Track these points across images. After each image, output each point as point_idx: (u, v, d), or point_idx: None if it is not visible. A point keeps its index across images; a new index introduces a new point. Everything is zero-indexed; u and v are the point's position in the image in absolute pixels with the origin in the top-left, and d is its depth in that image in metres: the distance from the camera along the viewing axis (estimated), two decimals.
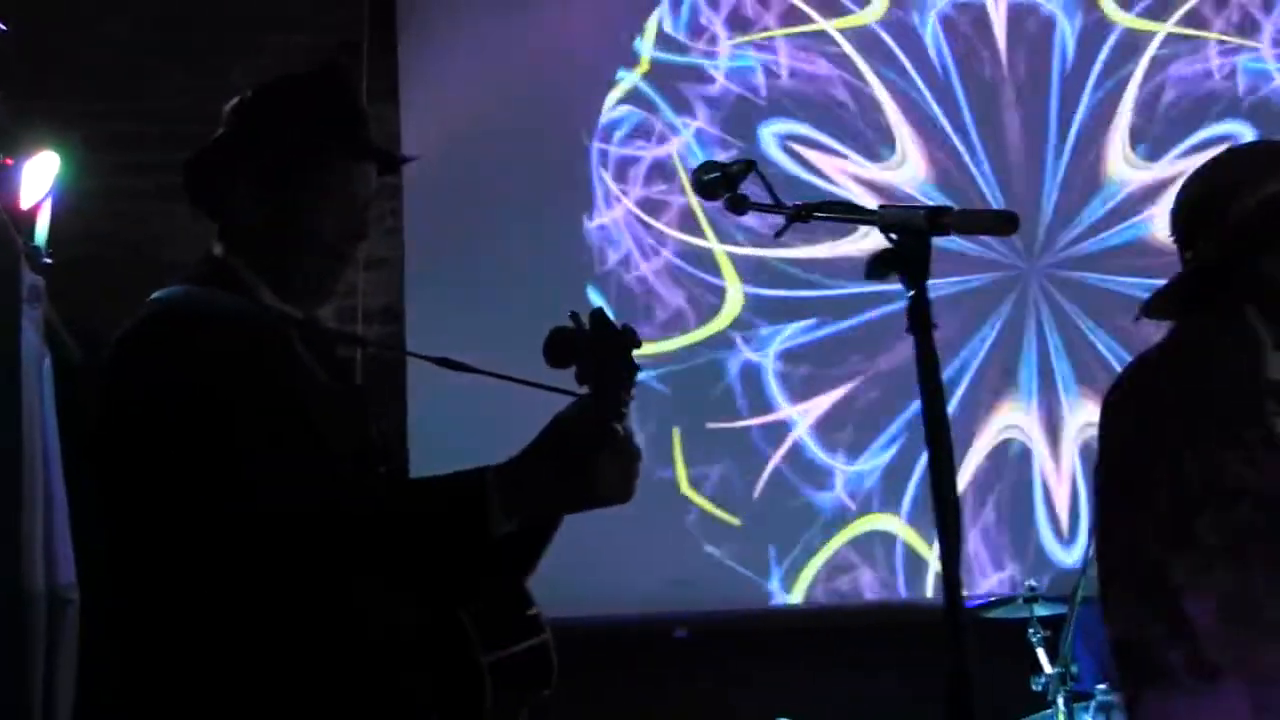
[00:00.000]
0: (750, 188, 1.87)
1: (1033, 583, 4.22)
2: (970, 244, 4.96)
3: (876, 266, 1.65)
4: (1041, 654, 4.05)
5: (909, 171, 5.09)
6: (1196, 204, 2.13)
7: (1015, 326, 5.05)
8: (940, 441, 1.59)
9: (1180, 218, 2.16)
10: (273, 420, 1.75)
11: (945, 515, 1.58)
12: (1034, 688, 3.96)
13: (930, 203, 4.16)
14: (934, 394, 1.61)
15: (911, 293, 1.62)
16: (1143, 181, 5.10)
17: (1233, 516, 1.93)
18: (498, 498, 1.73)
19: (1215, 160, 2.17)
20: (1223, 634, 1.92)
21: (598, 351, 1.89)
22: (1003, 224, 1.65)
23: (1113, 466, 2.11)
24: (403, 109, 4.83)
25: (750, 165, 1.90)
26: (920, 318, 1.62)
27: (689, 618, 4.61)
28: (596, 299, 4.80)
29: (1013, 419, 4.97)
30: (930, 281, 1.60)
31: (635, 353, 1.91)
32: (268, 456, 1.73)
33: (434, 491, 1.83)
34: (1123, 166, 5.12)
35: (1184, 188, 2.17)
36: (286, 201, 1.91)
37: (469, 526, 1.74)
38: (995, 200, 5.07)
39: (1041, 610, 4.10)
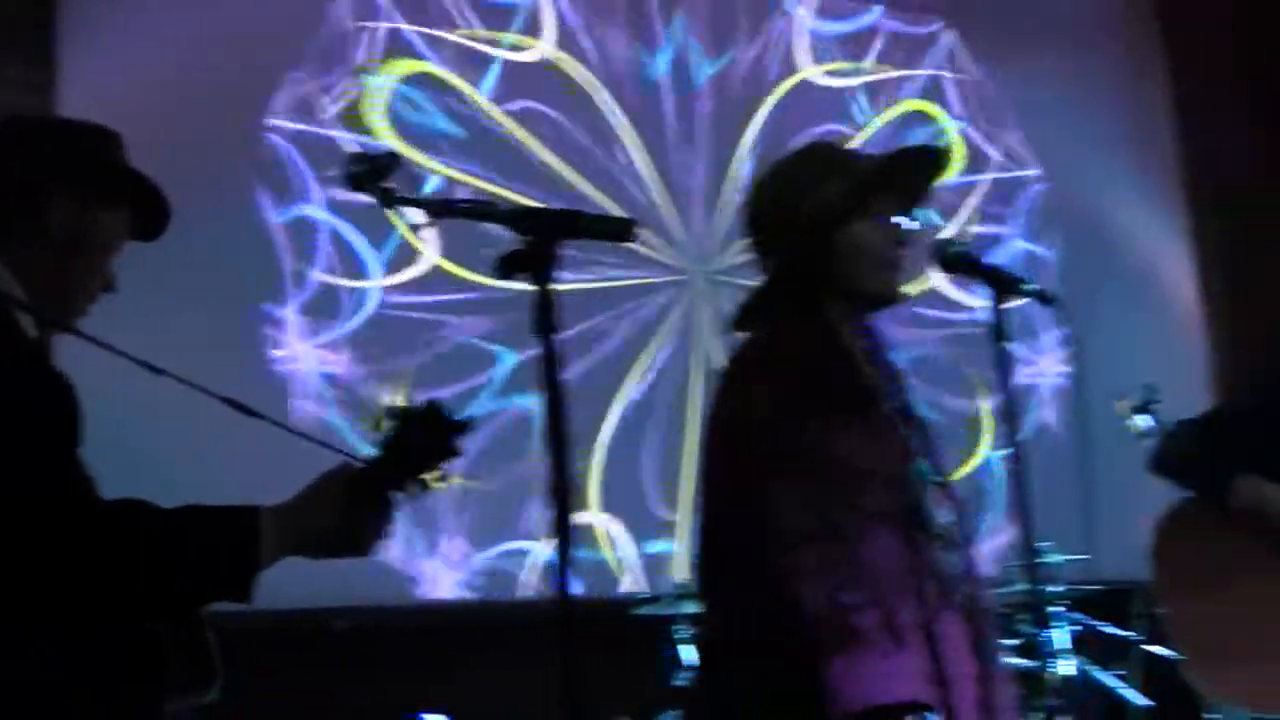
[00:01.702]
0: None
1: (683, 580, 4.36)
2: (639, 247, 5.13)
3: (505, 266, 1.69)
4: (684, 650, 4.17)
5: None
6: (762, 216, 2.23)
7: (685, 328, 5.25)
8: (560, 438, 1.65)
9: (752, 231, 2.25)
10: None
11: (562, 513, 1.64)
12: (677, 684, 4.10)
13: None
14: (555, 392, 1.66)
15: (537, 293, 1.66)
16: None
17: (868, 497, 2.03)
18: (271, 535, 1.77)
19: (771, 173, 2.26)
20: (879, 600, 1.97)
21: (416, 432, 1.90)
22: (623, 230, 1.72)
23: (755, 448, 2.07)
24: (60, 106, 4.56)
25: (396, 158, 1.90)
26: (545, 318, 1.67)
27: (347, 611, 4.55)
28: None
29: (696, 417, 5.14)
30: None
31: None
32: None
33: (204, 519, 1.82)
34: None
35: (748, 203, 2.26)
36: None
37: (235, 558, 1.76)
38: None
39: (692, 608, 4.17)
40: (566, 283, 1.69)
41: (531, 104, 5.28)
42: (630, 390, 5.17)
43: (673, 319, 5.29)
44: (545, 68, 5.36)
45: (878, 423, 2.10)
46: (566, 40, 5.41)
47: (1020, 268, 5.42)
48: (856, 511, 2.00)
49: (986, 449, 5.54)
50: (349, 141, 4.91)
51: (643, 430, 5.17)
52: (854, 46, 5.90)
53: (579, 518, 4.62)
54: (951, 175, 5.88)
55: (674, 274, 5.32)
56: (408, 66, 5.13)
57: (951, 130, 5.98)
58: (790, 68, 5.74)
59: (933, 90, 5.99)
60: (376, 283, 4.93)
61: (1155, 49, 6.40)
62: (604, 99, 5.40)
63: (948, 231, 5.52)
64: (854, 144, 5.62)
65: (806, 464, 2.01)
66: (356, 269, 4.93)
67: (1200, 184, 6.29)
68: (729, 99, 5.59)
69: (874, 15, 5.97)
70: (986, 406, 5.55)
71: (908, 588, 1.99)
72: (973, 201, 5.94)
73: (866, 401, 2.11)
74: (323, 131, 4.94)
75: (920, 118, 5.94)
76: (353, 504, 1.86)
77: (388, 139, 4.97)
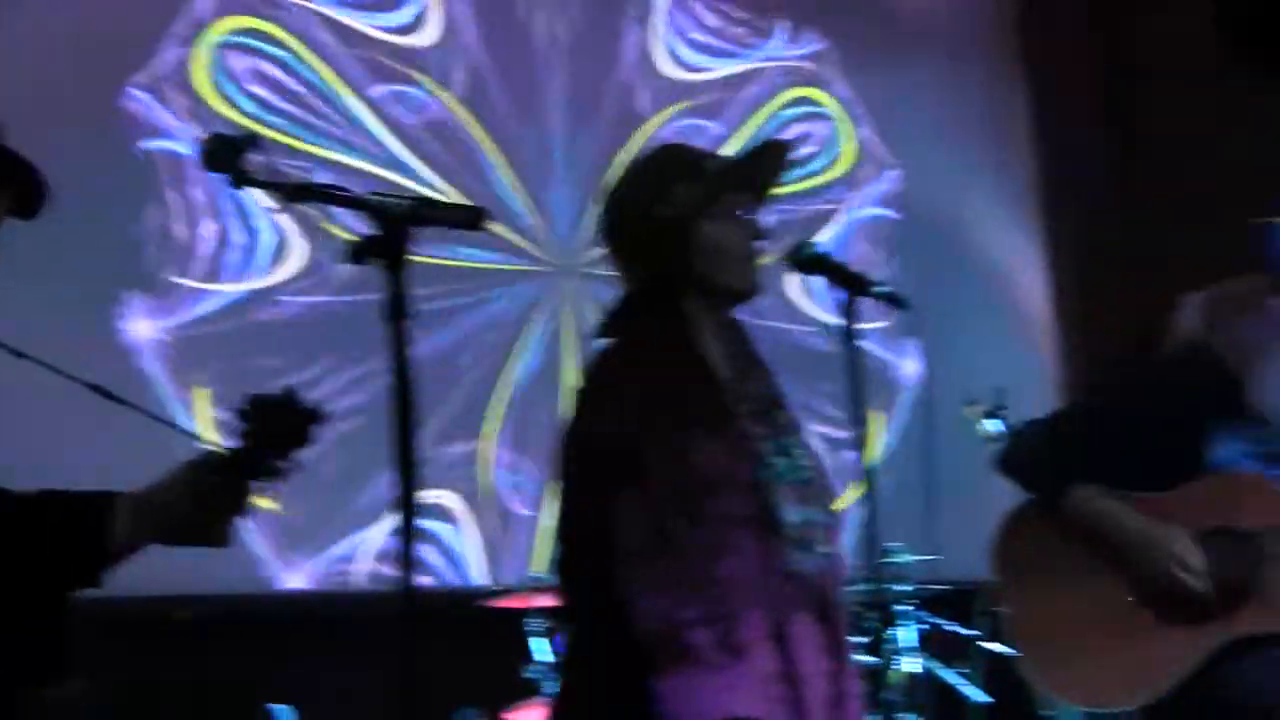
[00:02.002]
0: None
1: (535, 572, 4.36)
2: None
3: (357, 252, 1.67)
4: (535, 643, 4.18)
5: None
6: (616, 223, 2.24)
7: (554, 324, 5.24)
8: (405, 427, 1.63)
9: (607, 239, 2.25)
10: None
11: (407, 503, 1.62)
12: (528, 676, 4.10)
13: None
14: (404, 379, 1.64)
15: (389, 280, 1.65)
16: None
17: (720, 503, 2.03)
18: (126, 521, 1.79)
19: (622, 178, 2.27)
20: (712, 616, 1.99)
21: (271, 420, 1.90)
22: (474, 218, 1.72)
23: (603, 461, 2.09)
24: None
25: (253, 138, 1.86)
26: (397, 305, 1.65)
27: (190, 600, 4.45)
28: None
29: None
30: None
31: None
32: None
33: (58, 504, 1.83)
34: None
35: (605, 212, 2.26)
36: None
37: (87, 544, 1.78)
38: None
39: (545, 600, 4.17)
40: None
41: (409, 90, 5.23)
42: (510, 375, 5.15)
43: (542, 313, 5.27)
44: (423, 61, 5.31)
45: (730, 426, 2.11)
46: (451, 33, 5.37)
47: (871, 270, 5.53)
48: (706, 520, 2.01)
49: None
50: (207, 123, 4.80)
51: (509, 419, 5.16)
52: (721, 42, 5.94)
53: (425, 506, 4.62)
54: (811, 176, 5.97)
55: (538, 265, 5.31)
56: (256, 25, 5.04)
57: (838, 123, 6.05)
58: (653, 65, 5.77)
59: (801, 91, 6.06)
60: (233, 286, 4.83)
61: (1014, 57, 6.56)
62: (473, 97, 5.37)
63: (803, 233, 5.58)
64: (735, 141, 5.67)
65: (655, 475, 2.01)
66: (221, 260, 4.82)
67: (1055, 191, 6.46)
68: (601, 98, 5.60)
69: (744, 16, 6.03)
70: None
71: (759, 592, 2.01)
72: (830, 202, 6.03)
73: (720, 406, 2.12)
74: (178, 109, 4.83)
75: (800, 112, 6.00)
76: (209, 492, 1.86)
77: (242, 120, 4.88)
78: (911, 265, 6.04)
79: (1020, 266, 6.39)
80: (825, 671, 2.07)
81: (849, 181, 6.09)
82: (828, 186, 6.02)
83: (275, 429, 1.88)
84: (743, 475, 2.06)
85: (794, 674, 2.01)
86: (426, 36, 5.34)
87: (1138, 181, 6.49)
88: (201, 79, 4.89)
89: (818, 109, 6.08)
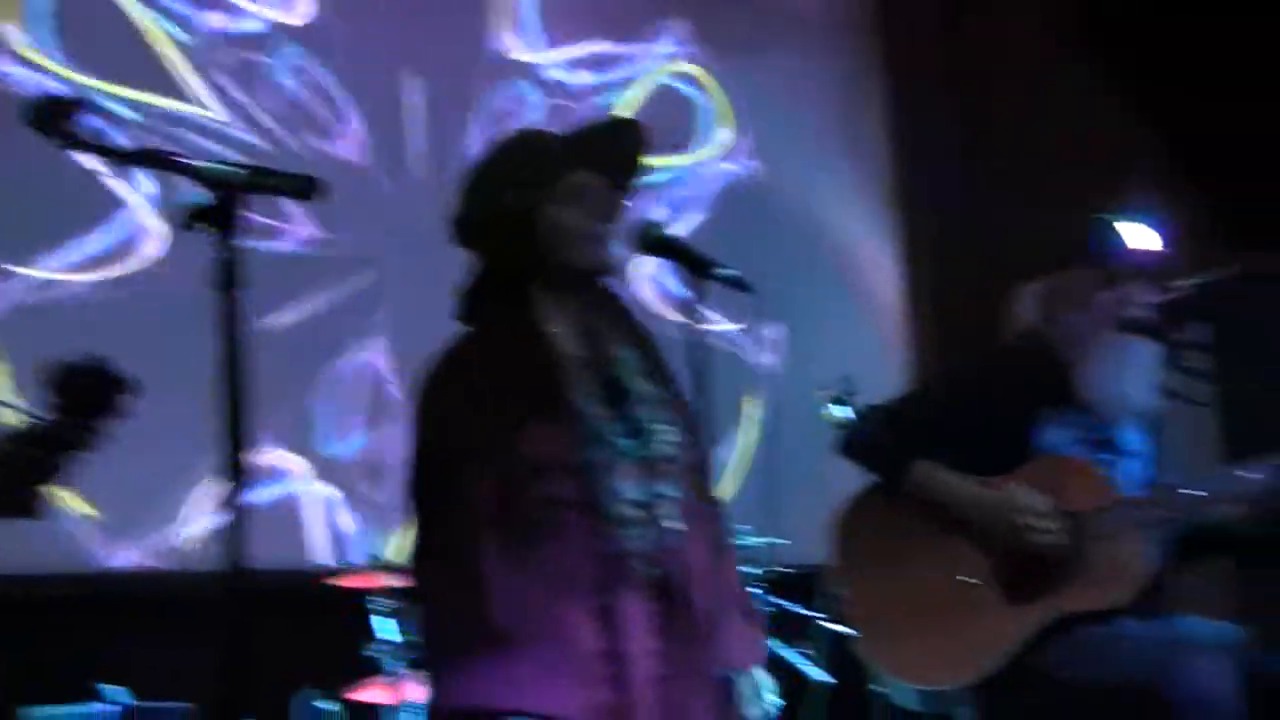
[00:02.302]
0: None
1: (379, 553, 4.32)
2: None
3: (189, 219, 1.64)
4: (379, 622, 4.13)
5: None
6: (463, 211, 2.27)
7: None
8: (236, 401, 1.60)
9: (457, 228, 2.28)
10: None
11: (236, 480, 1.60)
12: (369, 655, 4.06)
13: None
14: (234, 350, 1.62)
15: (221, 248, 1.62)
16: None
17: (551, 489, 2.08)
18: None
19: (470, 169, 2.31)
20: (528, 599, 2.05)
21: (79, 389, 1.88)
22: (307, 188, 1.70)
23: (429, 447, 2.20)
24: None
25: (81, 101, 1.81)
26: (228, 274, 1.63)
27: (19, 580, 4.30)
28: None
29: None
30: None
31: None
32: None
33: None
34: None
35: (462, 196, 2.28)
36: None
37: None
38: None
39: (389, 580, 4.14)
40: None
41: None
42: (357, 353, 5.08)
43: (394, 286, 5.20)
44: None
45: (563, 411, 2.13)
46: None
47: (721, 254, 5.59)
48: (530, 504, 2.06)
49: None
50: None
51: (356, 394, 5.09)
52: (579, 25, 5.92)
53: (260, 481, 4.53)
54: (663, 160, 5.99)
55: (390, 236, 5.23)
56: None
57: (703, 107, 6.07)
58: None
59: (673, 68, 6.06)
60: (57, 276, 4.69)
61: (871, 49, 6.65)
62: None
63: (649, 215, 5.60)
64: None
65: (485, 460, 2.07)
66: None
67: (907, 182, 6.58)
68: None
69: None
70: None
71: (581, 573, 2.05)
72: (688, 187, 6.06)
73: (553, 390, 2.14)
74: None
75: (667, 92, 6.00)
76: (18, 463, 1.82)
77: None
78: (767, 253, 6.10)
79: (873, 256, 6.50)
80: (654, 651, 2.09)
81: (708, 166, 6.12)
82: (687, 170, 6.04)
83: (84, 398, 1.84)
84: (572, 457, 2.09)
85: (619, 652, 2.03)
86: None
87: (985, 175, 6.65)
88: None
89: (685, 89, 6.11)
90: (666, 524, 2.15)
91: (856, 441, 3.08)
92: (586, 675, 2.02)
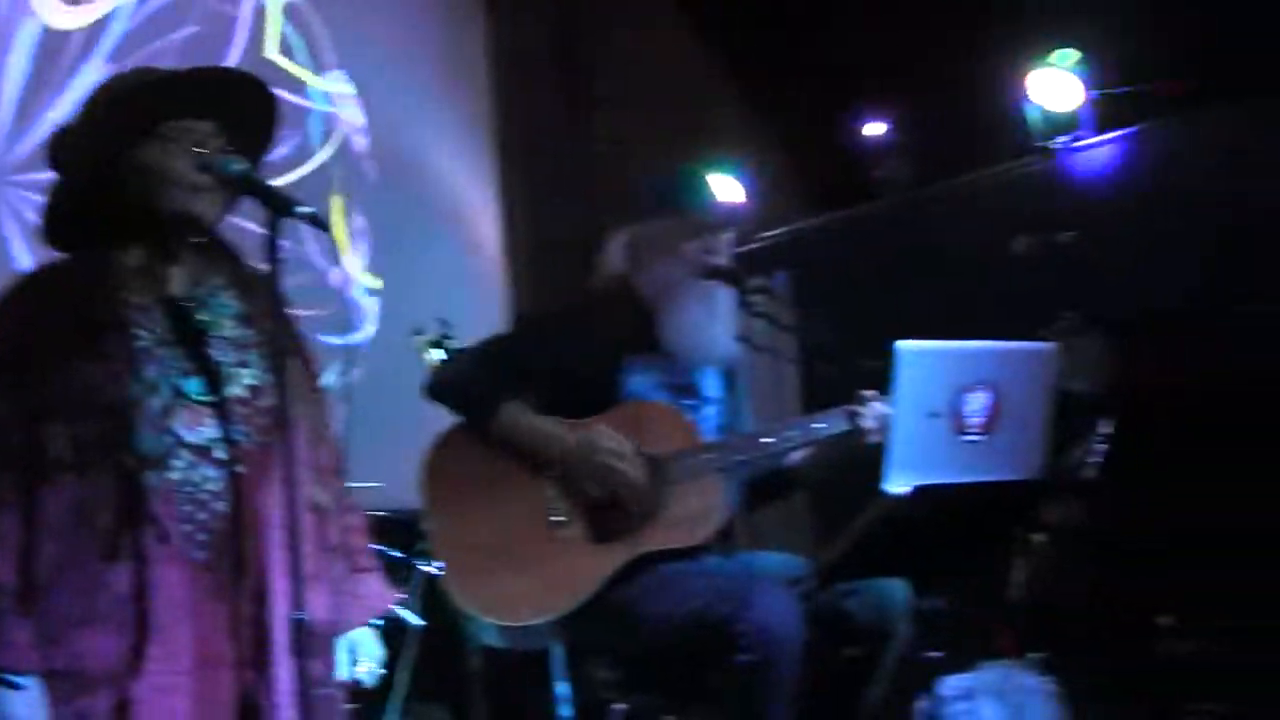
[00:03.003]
0: None
1: None
2: None
3: None
4: None
5: None
6: (57, 148, 2.20)
7: None
8: None
9: (51, 163, 2.21)
10: None
11: None
12: None
13: None
14: None
15: None
16: None
17: (83, 429, 2.00)
18: None
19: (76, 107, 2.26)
20: (55, 550, 1.97)
21: None
22: None
23: None
24: None
25: None
26: None
27: None
28: None
29: None
30: None
31: None
32: None
33: None
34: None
35: (62, 127, 2.23)
36: None
37: None
38: None
39: None
40: None
41: None
42: None
43: None
44: None
45: (111, 346, 2.06)
46: None
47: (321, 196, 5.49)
48: (61, 444, 2.00)
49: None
50: None
51: None
52: None
53: None
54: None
55: None
56: None
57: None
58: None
59: (257, 18, 5.81)
60: None
61: None
62: None
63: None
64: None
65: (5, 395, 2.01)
66: None
67: (509, 129, 6.62)
68: None
69: None
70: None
71: (108, 514, 1.99)
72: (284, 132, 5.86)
73: (104, 326, 2.07)
74: None
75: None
76: None
77: None
78: (371, 198, 6.02)
79: (474, 201, 6.50)
80: (191, 598, 2.03)
81: (320, 115, 5.96)
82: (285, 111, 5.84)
83: None
84: (118, 397, 2.03)
85: (146, 591, 1.98)
86: None
87: (583, 124, 6.80)
88: None
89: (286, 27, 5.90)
90: (227, 469, 2.08)
91: (444, 382, 3.09)
92: (107, 623, 1.95)
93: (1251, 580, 3.90)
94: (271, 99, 2.30)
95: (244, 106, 2.25)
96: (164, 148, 2.14)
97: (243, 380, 2.15)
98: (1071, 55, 5.37)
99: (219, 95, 2.20)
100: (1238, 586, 3.92)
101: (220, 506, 2.08)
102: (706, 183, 3.18)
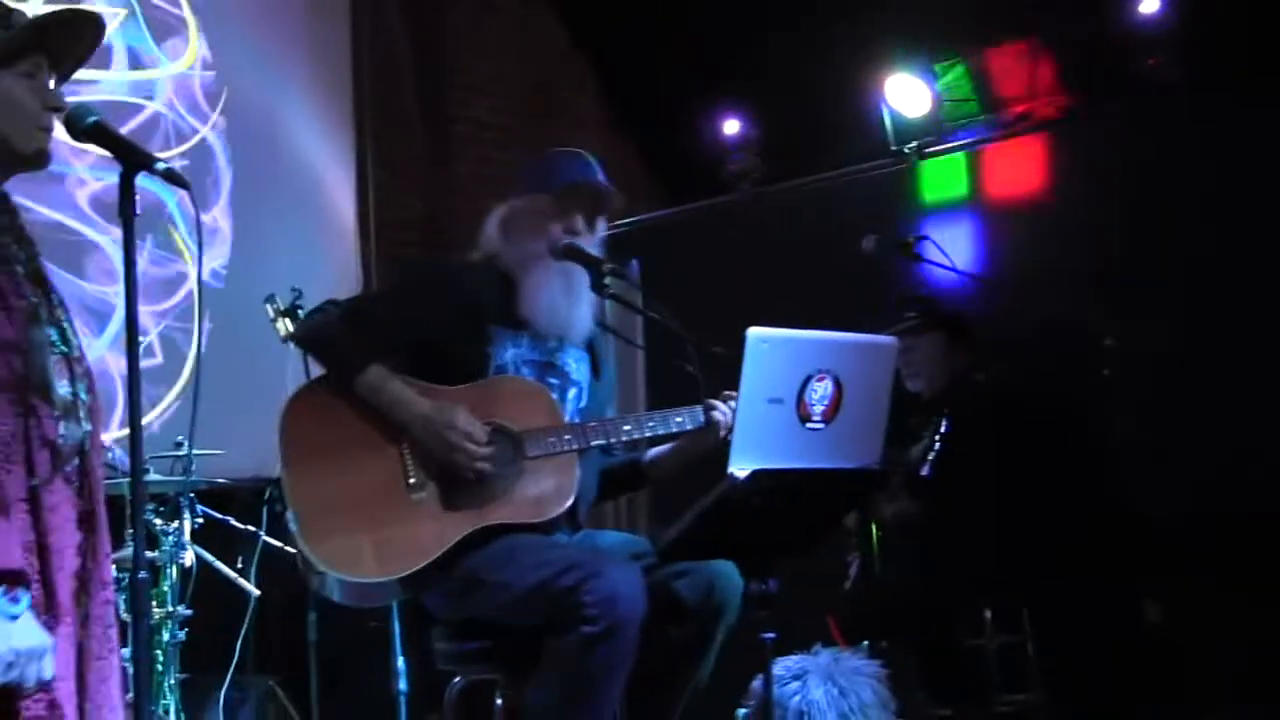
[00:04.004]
0: None
1: None
2: None
3: None
4: None
5: None
6: None
7: None
8: None
9: None
10: None
11: None
12: None
13: None
14: None
15: None
16: None
17: None
18: None
19: None
20: None
21: None
22: None
23: None
24: None
25: None
26: None
27: None
28: None
29: None
30: None
31: None
32: None
33: None
34: None
35: None
36: None
37: None
38: None
39: None
40: None
41: None
42: None
43: None
44: None
45: (4, 291, 2.02)
46: None
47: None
48: None
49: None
50: None
51: None
52: None
53: None
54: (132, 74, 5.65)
55: None
56: None
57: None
58: None
59: None
60: None
61: None
62: None
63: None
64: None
65: None
66: None
67: (366, 99, 6.58)
68: None
69: None
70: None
71: (17, 456, 1.97)
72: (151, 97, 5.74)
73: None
74: None
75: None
76: None
77: None
78: (230, 163, 5.93)
79: (331, 170, 6.44)
80: (77, 545, 2.05)
81: (178, 77, 5.83)
82: (154, 82, 5.74)
83: None
84: (13, 335, 1.99)
85: (45, 544, 1.99)
86: None
87: (442, 105, 6.81)
88: None
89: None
90: (86, 425, 2.07)
91: (314, 335, 3.07)
92: (19, 563, 1.94)
93: (1070, 576, 4.05)
94: (100, 39, 2.22)
95: (81, 44, 2.19)
96: (15, 80, 2.07)
97: (71, 337, 2.12)
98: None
99: (73, 35, 2.15)
100: (1058, 581, 4.08)
101: (80, 461, 2.08)
102: (590, 165, 3.20)
